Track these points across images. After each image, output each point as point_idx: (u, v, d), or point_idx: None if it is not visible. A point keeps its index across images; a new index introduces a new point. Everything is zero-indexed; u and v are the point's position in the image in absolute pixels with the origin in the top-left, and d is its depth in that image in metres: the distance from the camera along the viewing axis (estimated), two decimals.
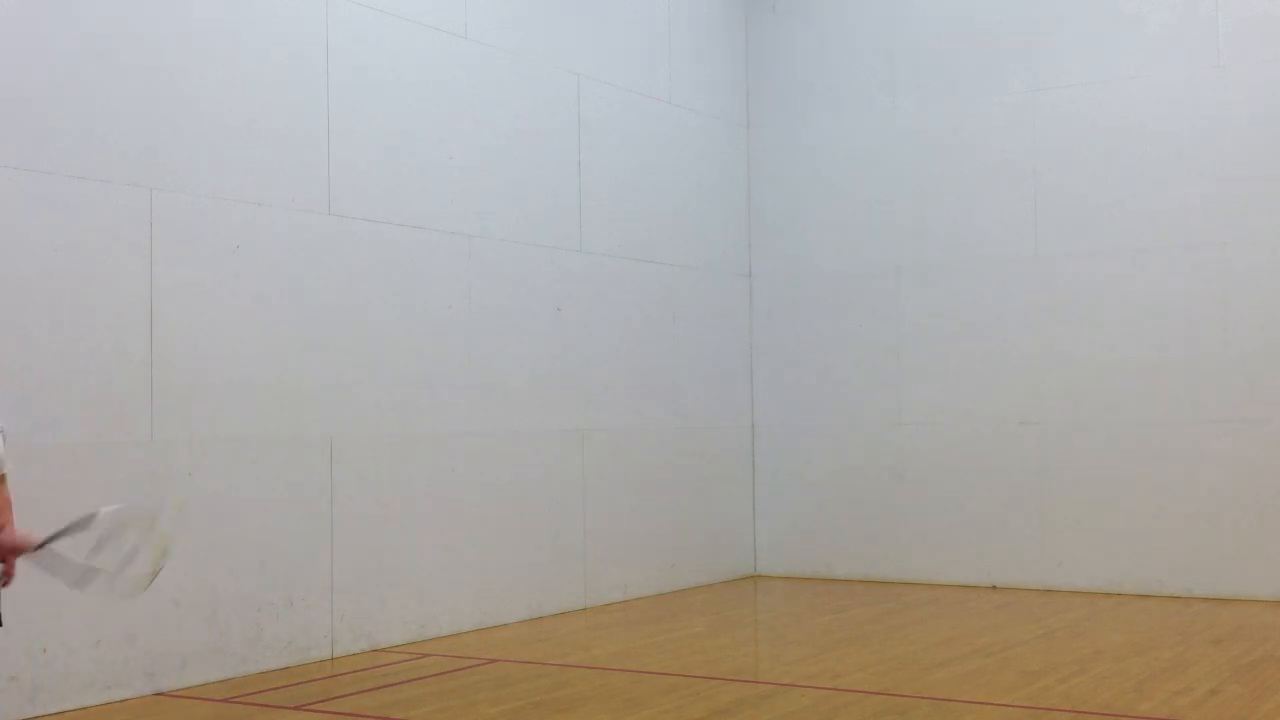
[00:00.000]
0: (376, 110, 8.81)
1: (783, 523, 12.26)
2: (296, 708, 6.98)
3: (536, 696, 7.10)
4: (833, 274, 12.09)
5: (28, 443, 6.81)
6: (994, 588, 11.13)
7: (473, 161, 9.53)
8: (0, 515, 3.37)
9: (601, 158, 10.71)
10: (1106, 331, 10.86)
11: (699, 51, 11.96)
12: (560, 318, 10.28)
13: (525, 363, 9.93)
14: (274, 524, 8.00)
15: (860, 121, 11.99)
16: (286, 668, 7.96)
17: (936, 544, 11.49)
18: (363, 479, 8.60)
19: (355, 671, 7.95)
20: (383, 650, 8.55)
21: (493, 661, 8.18)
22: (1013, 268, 11.26)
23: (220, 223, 7.79)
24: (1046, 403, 11.07)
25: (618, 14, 11.00)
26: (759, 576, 12.28)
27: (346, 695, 7.33)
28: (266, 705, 7.04)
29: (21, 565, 3.80)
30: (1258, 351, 10.30)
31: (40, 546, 3.49)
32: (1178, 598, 10.42)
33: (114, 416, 7.21)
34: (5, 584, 3.41)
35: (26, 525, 6.72)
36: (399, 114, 8.98)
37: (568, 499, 10.18)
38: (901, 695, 7.13)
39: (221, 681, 7.57)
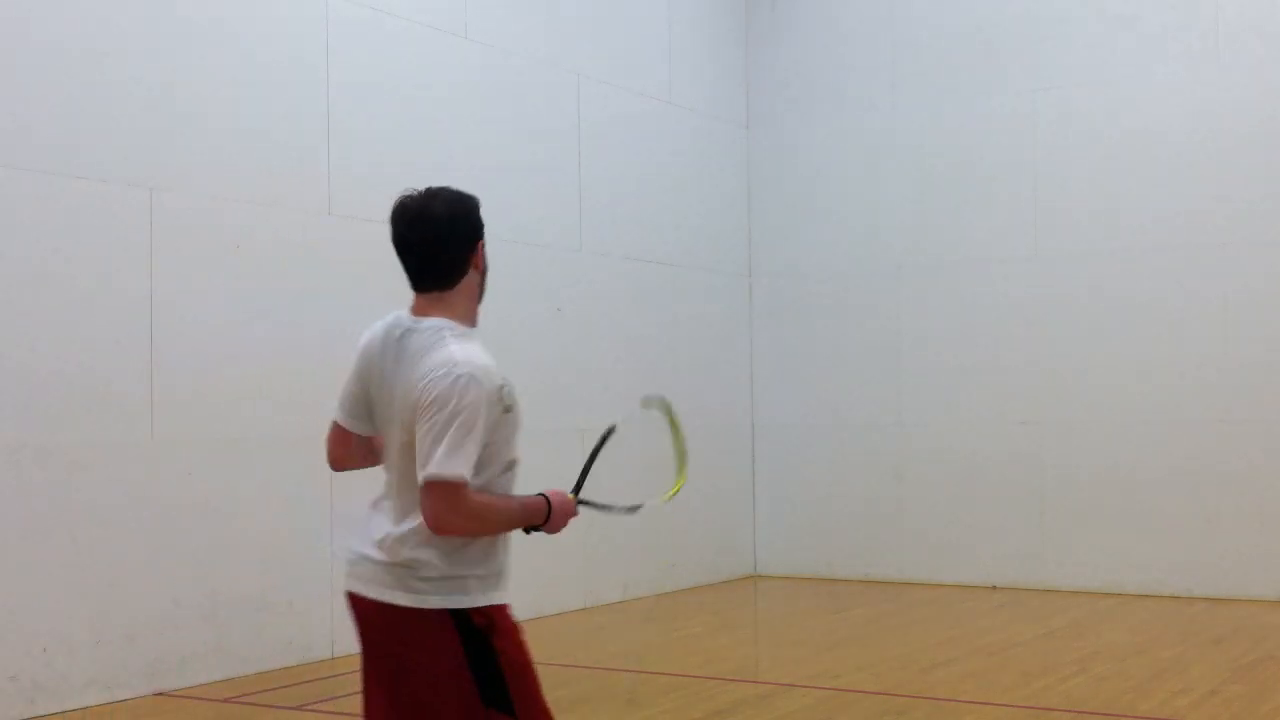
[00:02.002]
0: (376, 110, 8.81)
1: (783, 523, 12.26)
2: (297, 708, 6.99)
3: None
4: (833, 274, 12.08)
5: (31, 443, 6.81)
6: (994, 588, 11.13)
7: (472, 161, 9.53)
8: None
9: (601, 157, 10.71)
10: (1106, 331, 10.85)
11: (699, 51, 11.96)
12: (560, 318, 10.28)
13: (525, 363, 9.91)
14: (274, 524, 8.00)
15: (860, 121, 11.99)
16: (287, 668, 7.96)
17: (936, 544, 11.48)
18: (363, 479, 8.58)
19: (355, 671, 7.92)
20: None
21: None
22: (1013, 268, 11.26)
23: (220, 223, 7.79)
24: (1046, 403, 11.07)
25: (618, 14, 11.00)
26: (759, 576, 12.28)
27: (346, 695, 7.33)
28: (267, 705, 7.04)
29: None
30: (1258, 351, 10.30)
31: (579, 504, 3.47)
32: (1178, 598, 10.42)
33: (114, 416, 7.20)
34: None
35: (30, 527, 6.73)
36: (399, 114, 8.97)
37: None
38: (901, 695, 7.13)
39: (222, 681, 7.57)
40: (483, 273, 3.35)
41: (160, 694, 7.28)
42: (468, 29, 9.55)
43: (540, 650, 9.36)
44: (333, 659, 8.25)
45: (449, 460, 3.06)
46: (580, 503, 3.46)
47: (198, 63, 7.70)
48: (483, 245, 3.33)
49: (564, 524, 3.36)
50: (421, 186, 3.33)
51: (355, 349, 3.43)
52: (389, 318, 3.37)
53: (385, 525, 3.28)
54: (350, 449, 3.52)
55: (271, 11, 8.16)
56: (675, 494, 3.67)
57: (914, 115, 11.74)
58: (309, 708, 6.99)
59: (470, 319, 3.31)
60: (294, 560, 8.10)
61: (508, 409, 3.23)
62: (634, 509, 3.59)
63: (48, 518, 6.86)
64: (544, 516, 3.31)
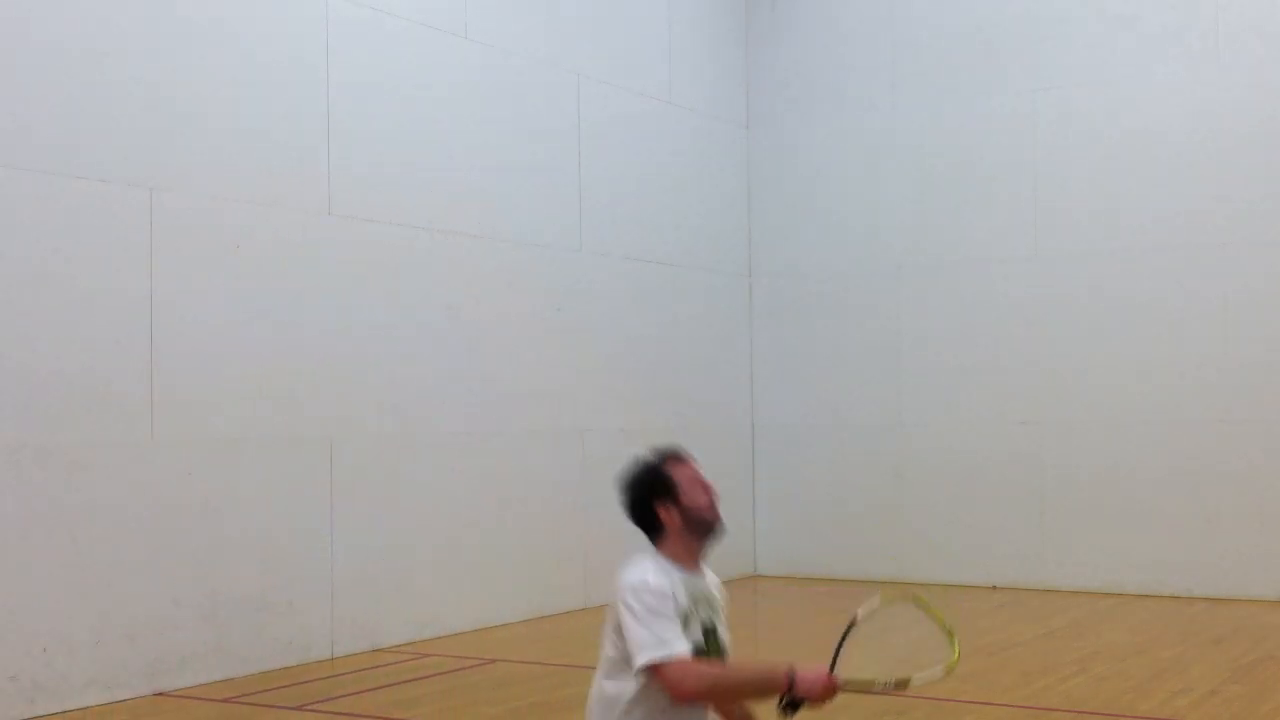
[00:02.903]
0: (376, 110, 8.80)
1: (783, 523, 12.26)
2: (297, 708, 6.98)
3: (536, 696, 7.10)
4: (833, 274, 12.09)
5: (31, 443, 6.81)
6: (994, 588, 11.13)
7: (472, 161, 9.53)
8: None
9: (601, 157, 10.71)
10: (1106, 331, 10.85)
11: (698, 52, 11.96)
12: (560, 318, 10.28)
13: (525, 363, 9.92)
14: (274, 524, 8.00)
15: (860, 121, 11.99)
16: (286, 668, 7.96)
17: (936, 544, 11.48)
18: (363, 479, 8.60)
19: (355, 671, 7.95)
20: (383, 650, 8.54)
21: (493, 661, 8.17)
22: (1013, 268, 11.26)
23: (220, 223, 7.79)
24: (1046, 403, 11.07)
25: (618, 14, 10.99)
26: (759, 576, 12.28)
27: (346, 695, 7.33)
28: (267, 705, 7.04)
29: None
30: (1258, 351, 10.30)
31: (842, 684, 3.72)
32: (1178, 598, 10.42)
33: (114, 416, 7.20)
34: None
35: (30, 527, 6.73)
36: (399, 114, 8.97)
37: (567, 499, 10.17)
38: (901, 695, 7.12)
39: (222, 681, 7.57)
40: (685, 513, 3.87)
41: (160, 694, 7.28)
42: (468, 29, 9.55)
43: (540, 650, 9.36)
44: (333, 659, 8.25)
45: (656, 644, 3.59)
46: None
47: (198, 63, 7.70)
48: (668, 502, 3.87)
49: (821, 692, 3.66)
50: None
51: None
52: None
53: None
54: None
55: (271, 11, 8.16)
56: (953, 666, 3.86)
57: (914, 115, 11.74)
58: (309, 708, 6.99)
59: (677, 552, 3.87)
60: (294, 560, 8.10)
61: (679, 605, 3.71)
62: (901, 683, 3.83)
63: (48, 518, 6.86)
64: (785, 684, 3.62)
